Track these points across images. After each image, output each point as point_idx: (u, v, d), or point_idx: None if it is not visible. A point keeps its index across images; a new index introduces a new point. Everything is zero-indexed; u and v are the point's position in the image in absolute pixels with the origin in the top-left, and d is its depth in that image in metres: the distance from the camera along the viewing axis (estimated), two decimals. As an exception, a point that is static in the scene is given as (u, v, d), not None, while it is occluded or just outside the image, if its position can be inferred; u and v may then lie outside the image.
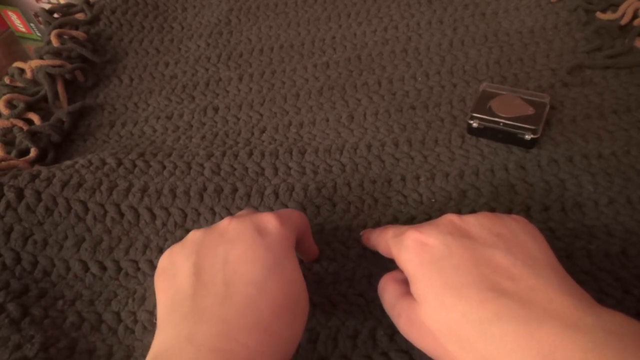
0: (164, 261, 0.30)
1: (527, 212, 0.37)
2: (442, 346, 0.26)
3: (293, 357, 0.28)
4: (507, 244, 0.27)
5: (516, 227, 0.28)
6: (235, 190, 0.41)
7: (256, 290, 0.27)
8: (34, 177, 0.40)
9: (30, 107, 0.50)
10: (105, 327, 0.34)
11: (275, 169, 0.42)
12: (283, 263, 0.28)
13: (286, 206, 0.40)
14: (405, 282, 0.29)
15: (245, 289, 0.27)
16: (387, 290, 0.30)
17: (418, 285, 0.27)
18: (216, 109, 0.51)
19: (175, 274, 0.29)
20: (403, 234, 0.29)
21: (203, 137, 0.47)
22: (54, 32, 0.56)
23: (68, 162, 0.42)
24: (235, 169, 0.42)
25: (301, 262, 0.37)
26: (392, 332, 0.31)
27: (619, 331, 0.22)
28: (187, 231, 0.39)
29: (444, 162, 0.42)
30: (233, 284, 0.27)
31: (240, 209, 0.39)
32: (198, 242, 0.30)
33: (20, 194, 0.39)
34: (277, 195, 0.40)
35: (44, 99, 0.51)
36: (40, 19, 0.76)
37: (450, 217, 0.29)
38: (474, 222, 0.28)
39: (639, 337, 0.22)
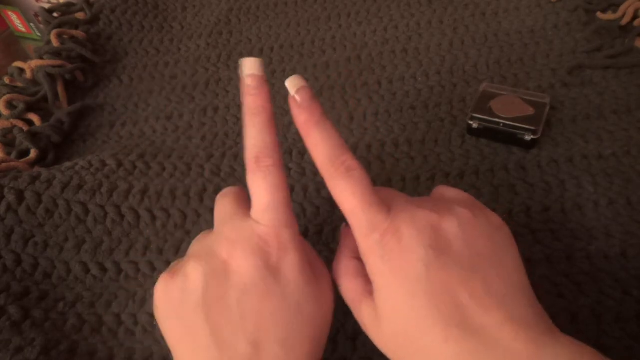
0: (162, 301, 0.27)
1: (527, 213, 0.37)
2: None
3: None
4: (486, 263, 0.25)
5: (496, 239, 0.26)
6: (235, 191, 0.41)
7: (283, 350, 0.25)
8: (34, 179, 0.40)
9: (30, 107, 0.50)
10: (105, 329, 0.34)
11: (276, 170, 0.42)
12: (304, 307, 0.26)
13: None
14: (363, 274, 0.28)
15: (272, 349, 0.25)
16: (345, 285, 0.28)
17: (383, 301, 0.26)
18: (216, 109, 0.51)
19: (187, 325, 0.26)
20: (378, 230, 0.26)
21: (203, 138, 0.47)
22: (54, 32, 0.56)
23: (68, 164, 0.42)
24: (235, 170, 0.42)
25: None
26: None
27: None
28: (187, 233, 0.39)
29: (444, 162, 0.42)
30: (257, 344, 0.25)
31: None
32: (201, 288, 0.26)
33: (20, 196, 0.39)
34: (277, 196, 0.40)
35: (44, 99, 0.51)
36: (40, 18, 0.76)
37: (430, 218, 0.26)
38: (457, 232, 0.25)
39: None
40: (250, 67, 0.28)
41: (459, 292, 0.24)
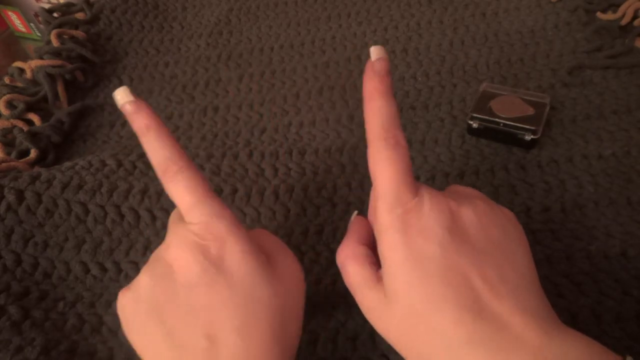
0: (123, 316, 0.28)
1: (527, 213, 0.37)
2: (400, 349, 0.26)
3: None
4: (499, 253, 0.26)
5: (509, 232, 0.27)
6: (235, 191, 0.41)
7: (241, 337, 0.25)
8: (34, 178, 0.40)
9: (30, 107, 0.50)
10: (105, 329, 0.34)
11: (275, 170, 0.42)
12: (256, 293, 0.26)
13: (286, 207, 0.40)
14: (371, 261, 0.28)
15: (229, 338, 0.25)
16: (351, 269, 0.28)
17: (394, 282, 0.26)
18: (216, 109, 0.51)
19: (145, 333, 0.26)
20: (402, 207, 0.26)
21: (203, 138, 0.47)
22: (54, 32, 0.56)
23: (68, 164, 0.42)
24: (235, 170, 0.42)
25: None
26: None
27: (580, 358, 0.23)
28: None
29: (444, 162, 0.42)
30: (213, 336, 0.25)
31: (240, 210, 0.39)
32: (150, 293, 0.26)
33: (20, 196, 0.39)
34: (277, 196, 0.40)
35: (44, 99, 0.51)
36: (40, 18, 0.76)
37: (450, 204, 0.27)
38: (473, 219, 0.26)
39: None
40: (123, 97, 0.28)
41: (473, 277, 0.24)
